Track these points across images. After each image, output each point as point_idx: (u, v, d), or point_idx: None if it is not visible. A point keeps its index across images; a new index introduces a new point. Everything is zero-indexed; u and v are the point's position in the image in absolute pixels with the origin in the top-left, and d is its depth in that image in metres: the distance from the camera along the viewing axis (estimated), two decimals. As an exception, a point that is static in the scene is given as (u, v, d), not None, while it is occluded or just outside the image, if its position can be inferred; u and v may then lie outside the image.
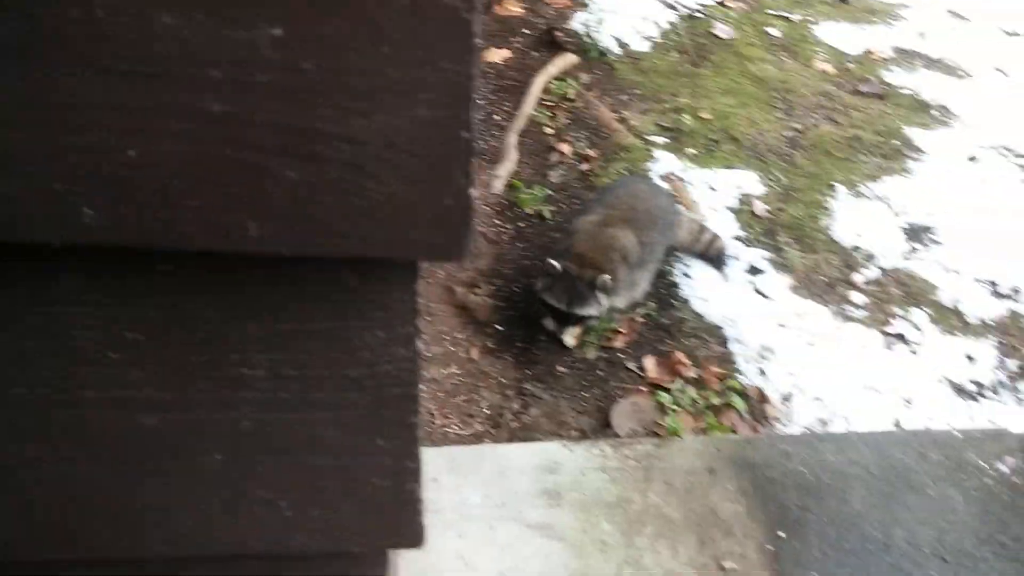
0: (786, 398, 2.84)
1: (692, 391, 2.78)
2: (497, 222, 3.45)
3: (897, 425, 2.77)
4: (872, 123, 4.28)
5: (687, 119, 4.12)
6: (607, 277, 2.74)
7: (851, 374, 2.93)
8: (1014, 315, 3.28)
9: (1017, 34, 5.25)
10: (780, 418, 2.79)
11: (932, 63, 4.90)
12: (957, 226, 3.64)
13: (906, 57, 4.92)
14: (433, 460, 2.46)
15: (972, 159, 4.06)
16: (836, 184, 3.82)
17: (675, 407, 2.71)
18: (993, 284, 3.40)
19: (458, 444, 2.59)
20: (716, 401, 2.75)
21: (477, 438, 2.65)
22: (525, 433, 2.66)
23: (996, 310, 3.27)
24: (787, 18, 5.13)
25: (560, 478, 2.45)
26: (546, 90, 4.15)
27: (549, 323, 3.01)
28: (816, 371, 2.92)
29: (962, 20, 5.36)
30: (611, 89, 4.31)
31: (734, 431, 2.70)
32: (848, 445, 2.62)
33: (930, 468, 2.57)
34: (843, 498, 2.46)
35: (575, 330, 3.02)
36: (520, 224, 3.47)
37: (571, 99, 4.13)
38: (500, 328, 3.04)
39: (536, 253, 3.32)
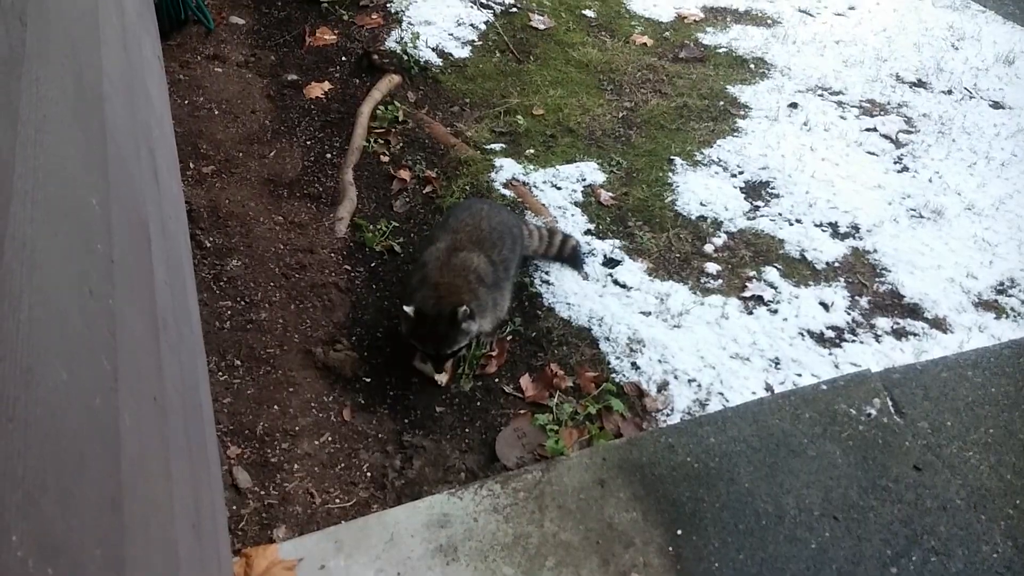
0: (662, 387, 2.86)
1: (570, 403, 2.76)
2: (347, 268, 3.32)
3: (769, 390, 2.84)
4: (697, 88, 4.38)
5: (521, 119, 4.09)
6: (464, 308, 2.68)
7: (718, 347, 2.99)
8: (856, 252, 3.42)
9: (813, -27, 5.49)
10: (660, 409, 2.81)
11: (741, 16, 5.06)
12: (790, 175, 3.77)
13: (716, 15, 5.06)
14: (317, 545, 2.34)
15: (793, 105, 4.22)
16: (673, 157, 3.89)
17: (555, 425, 2.68)
18: (833, 226, 3.54)
19: (343, 519, 2.48)
20: (594, 408, 2.75)
21: (363, 506, 2.55)
22: (412, 489, 2.58)
23: (839, 251, 3.41)
24: (600, -4, 5.17)
25: (453, 530, 2.38)
26: (374, 117, 4.03)
27: (420, 363, 2.92)
28: (685, 353, 2.96)
29: (762, -31, 5.54)
30: (440, 103, 4.23)
31: (619, 434, 2.70)
32: (727, 423, 2.67)
33: (806, 428, 2.65)
34: (731, 479, 2.50)
35: (447, 366, 2.94)
36: (372, 264, 3.35)
37: (402, 121, 4.02)
38: (368, 380, 2.93)
39: (394, 290, 3.23)
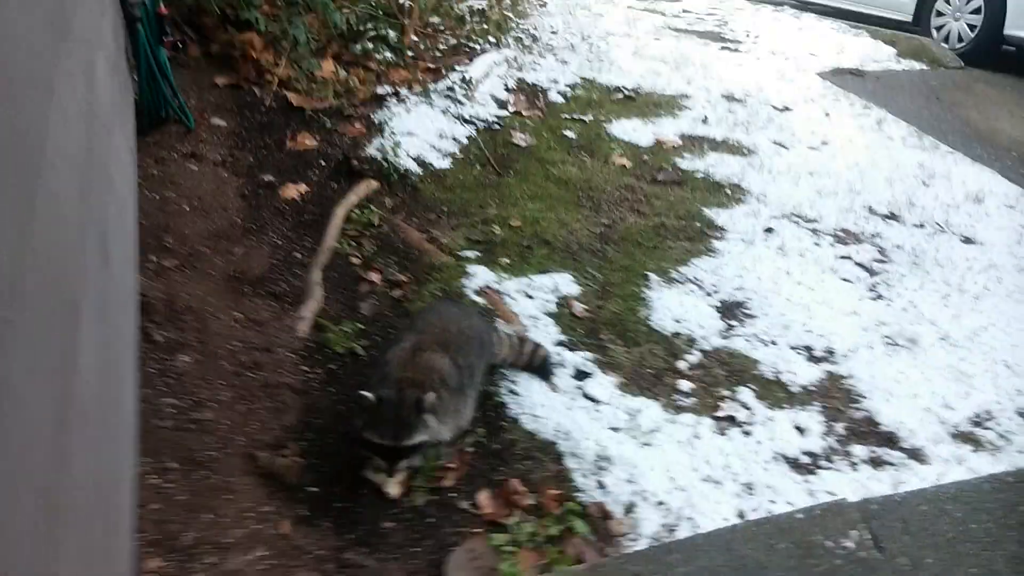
0: (628, 509, 2.67)
1: (530, 523, 2.55)
2: (304, 368, 3.16)
3: (741, 516, 2.65)
4: (674, 209, 4.41)
5: (497, 229, 4.07)
6: (432, 395, 2.52)
7: (689, 469, 2.82)
8: (832, 376, 3.33)
9: (788, 108, 5.70)
10: (626, 532, 2.60)
11: (718, 145, 5.19)
12: (766, 297, 3.72)
13: (694, 142, 5.18)
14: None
15: (769, 230, 4.24)
16: (649, 273, 3.85)
17: (512, 547, 2.46)
18: (808, 349, 3.46)
19: (269, 646, 2.22)
20: (556, 530, 2.54)
21: (293, 632, 2.29)
22: (349, 614, 2.33)
23: (814, 374, 3.31)
24: (581, 120, 5.31)
25: (389, 663, 2.12)
26: (349, 219, 3.99)
27: (372, 472, 2.72)
28: (654, 473, 2.78)
29: (738, 102, 5.76)
30: (418, 209, 4.22)
31: (580, 560, 2.48)
32: (696, 552, 2.46)
33: (781, 559, 2.44)
34: (701, 616, 2.28)
35: (400, 475, 2.74)
36: (331, 366, 3.20)
37: (376, 225, 3.99)
38: (315, 490, 2.72)
39: (351, 395, 3.06)
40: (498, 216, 4.19)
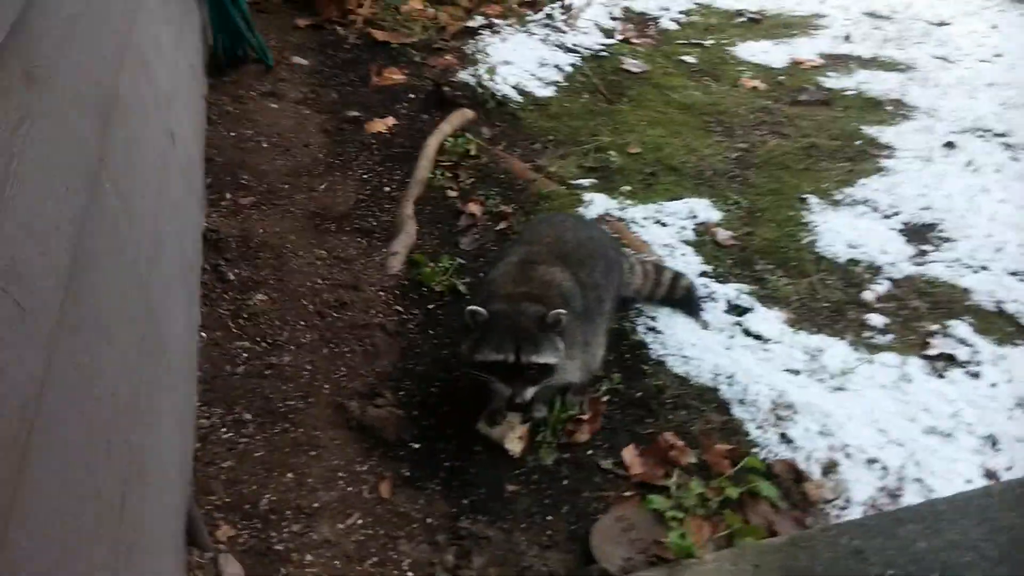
0: (829, 468, 2.01)
1: (697, 484, 1.92)
2: (398, 308, 2.63)
3: (991, 476, 1.96)
4: (825, 129, 3.69)
5: (614, 156, 3.45)
6: (560, 311, 1.93)
7: (904, 418, 2.14)
8: (1074, 305, 2.57)
9: (945, 23, 4.85)
10: (830, 498, 1.94)
11: (867, 63, 4.40)
12: (963, 217, 2.98)
13: (838, 61, 4.42)
14: None
15: (949, 145, 3.47)
16: (806, 196, 3.15)
17: (678, 513, 1.84)
18: (1033, 274, 2.70)
19: (365, 639, 1.68)
20: (734, 492, 1.90)
21: (397, 621, 1.74)
22: (469, 598, 1.76)
23: (1050, 304, 2.56)
24: (700, 45, 4.63)
25: (529, 667, 1.54)
26: (442, 151, 3.45)
27: (487, 426, 2.16)
28: (856, 424, 2.11)
29: (884, 19, 4.95)
30: (519, 140, 3.64)
31: (772, 532, 1.84)
32: (940, 520, 1.78)
33: (1068, 533, 1.74)
34: (964, 608, 1.60)
35: (521, 429, 2.17)
36: (429, 306, 2.66)
37: (474, 156, 3.43)
38: (417, 447, 2.17)
39: (456, 337, 2.52)
40: (613, 143, 3.58)
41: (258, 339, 2.44)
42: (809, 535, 1.77)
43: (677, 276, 2.56)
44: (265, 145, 3.48)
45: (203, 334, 2.41)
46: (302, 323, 2.51)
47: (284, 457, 2.08)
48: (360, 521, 1.96)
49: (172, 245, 1.98)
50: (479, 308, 1.95)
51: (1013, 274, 2.69)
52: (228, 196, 3.12)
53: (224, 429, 2.15)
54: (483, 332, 1.94)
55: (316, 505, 1.97)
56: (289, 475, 2.03)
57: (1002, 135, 3.57)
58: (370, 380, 2.35)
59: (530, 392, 1.93)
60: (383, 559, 1.88)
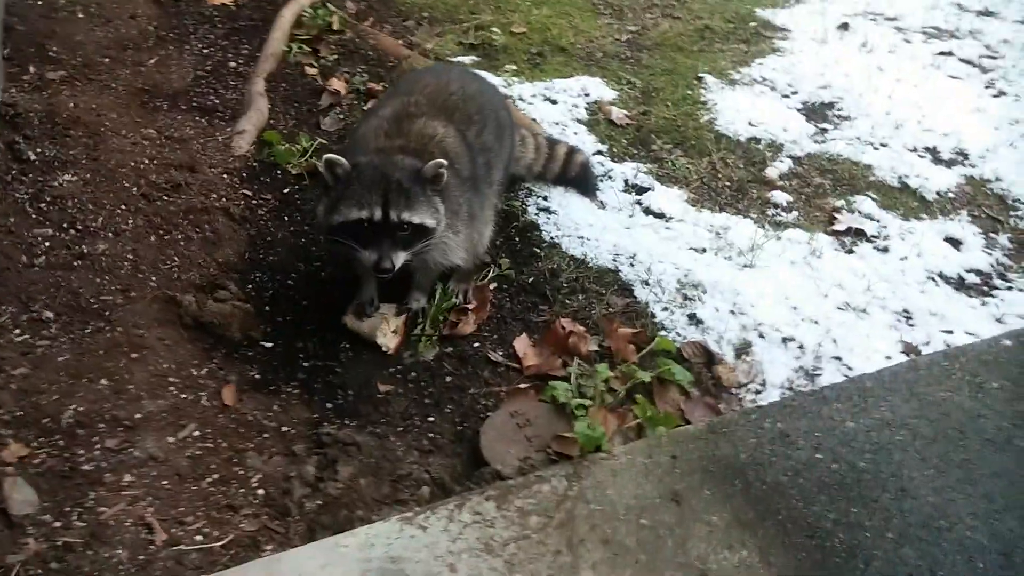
0: (742, 350, 1.81)
1: (604, 369, 1.67)
2: (246, 192, 2.21)
3: (910, 352, 1.81)
4: (718, 11, 3.47)
5: (497, 35, 3.10)
6: (441, 161, 1.59)
7: (817, 295, 1.96)
8: (972, 181, 2.47)
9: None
10: (743, 381, 1.74)
11: (757, -51, 4.20)
12: (861, 95, 2.85)
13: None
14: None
15: (843, 27, 3.32)
16: (703, 75, 2.92)
17: (584, 402, 1.59)
18: (932, 151, 2.60)
19: (206, 574, 1.33)
20: (645, 376, 1.66)
21: (248, 547, 1.41)
22: (334, 514, 1.45)
23: (949, 179, 2.47)
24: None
25: (408, 588, 1.26)
26: (299, 25, 2.98)
27: (354, 320, 1.82)
28: (769, 301, 1.92)
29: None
30: (389, 16, 3.21)
31: (684, 420, 1.62)
32: (867, 398, 1.60)
33: (997, 403, 1.60)
34: (901, 488, 1.43)
35: (396, 321, 1.84)
36: (284, 190, 2.26)
37: (337, 31, 2.98)
38: (269, 346, 1.81)
39: (311, 223, 2.14)
40: (496, 22, 3.21)
41: (64, 225, 1.97)
42: (729, 420, 1.56)
43: (572, 151, 2.27)
44: (81, 15, 2.89)
45: (-12, 219, 1.92)
46: (123, 207, 2.05)
47: (97, 361, 1.67)
48: (197, 433, 1.59)
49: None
50: (337, 157, 1.58)
51: (912, 150, 2.58)
52: (32, 70, 2.54)
53: (17, 331, 1.70)
54: (344, 188, 1.58)
55: (138, 416, 1.58)
56: (103, 382, 1.63)
57: (893, 19, 3.47)
58: (210, 271, 1.94)
59: (400, 257, 1.58)
60: (226, 476, 1.53)
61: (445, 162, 1.58)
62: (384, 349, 1.80)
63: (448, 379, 1.77)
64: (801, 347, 1.81)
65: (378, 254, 1.55)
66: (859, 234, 2.19)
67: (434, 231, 1.61)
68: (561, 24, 3.30)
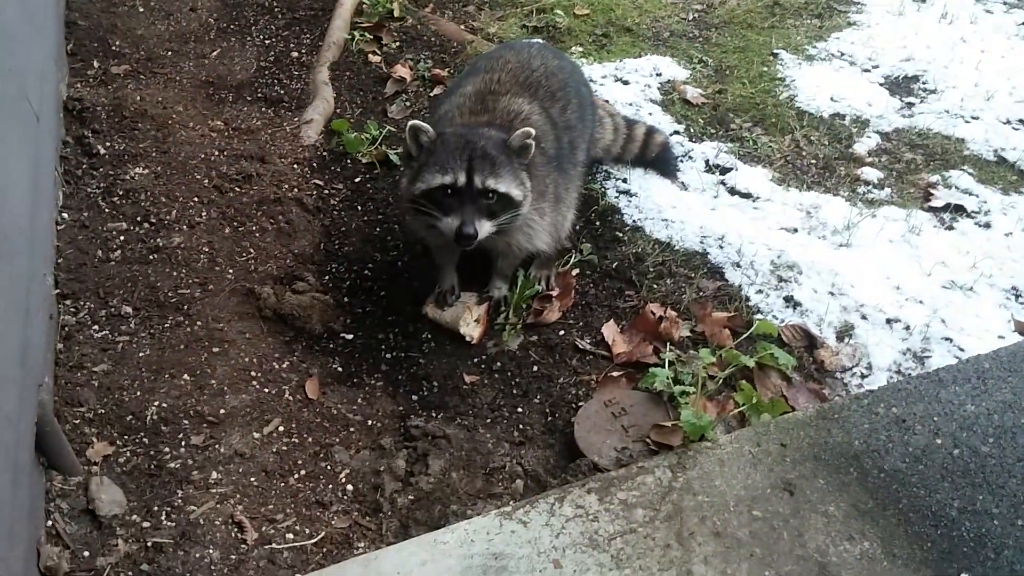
0: (844, 332, 1.71)
1: (707, 354, 1.58)
2: (317, 182, 2.17)
3: (1022, 330, 1.69)
4: (786, -14, 3.32)
5: (560, 17, 3.01)
6: (529, 130, 1.53)
7: (920, 274, 1.85)
8: (1078, 152, 2.32)
9: None
10: (848, 365, 1.64)
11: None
12: (946, 67, 2.69)
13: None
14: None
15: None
16: (778, 51, 2.80)
17: (685, 388, 1.50)
18: (1029, 122, 2.44)
19: (299, 573, 1.29)
20: (748, 361, 1.57)
21: (340, 544, 1.36)
22: (428, 510, 1.39)
23: (1050, 151, 2.31)
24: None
25: (517, 587, 1.19)
26: (359, 12, 2.94)
27: (435, 310, 1.75)
28: (869, 282, 1.81)
29: None
30: (450, 1, 3.15)
31: (789, 406, 1.53)
32: (987, 380, 1.49)
33: None
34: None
35: (478, 310, 1.78)
36: (355, 179, 2.21)
37: (399, 17, 2.93)
38: (350, 337, 1.76)
39: (389, 213, 2.08)
40: (558, 4, 3.12)
41: (138, 219, 1.94)
42: (839, 406, 1.47)
43: (651, 131, 2.18)
44: (141, 10, 2.88)
45: (64, 215, 1.90)
46: (195, 199, 2.02)
47: (178, 356, 1.64)
48: (281, 428, 1.55)
49: None
50: (422, 123, 1.52)
51: (1006, 122, 2.43)
52: (96, 64, 2.54)
53: (96, 326, 1.68)
54: (428, 156, 1.52)
55: (222, 411, 1.55)
56: (185, 377, 1.59)
57: (975, -11, 3.29)
58: (286, 263, 1.90)
59: (485, 227, 1.50)
60: (313, 471, 1.48)
61: (532, 131, 1.51)
62: (467, 339, 1.74)
63: (535, 368, 1.70)
64: (907, 328, 1.70)
65: (460, 219, 1.47)
66: (958, 210, 2.06)
67: (520, 204, 1.53)
68: (624, 4, 3.20)
